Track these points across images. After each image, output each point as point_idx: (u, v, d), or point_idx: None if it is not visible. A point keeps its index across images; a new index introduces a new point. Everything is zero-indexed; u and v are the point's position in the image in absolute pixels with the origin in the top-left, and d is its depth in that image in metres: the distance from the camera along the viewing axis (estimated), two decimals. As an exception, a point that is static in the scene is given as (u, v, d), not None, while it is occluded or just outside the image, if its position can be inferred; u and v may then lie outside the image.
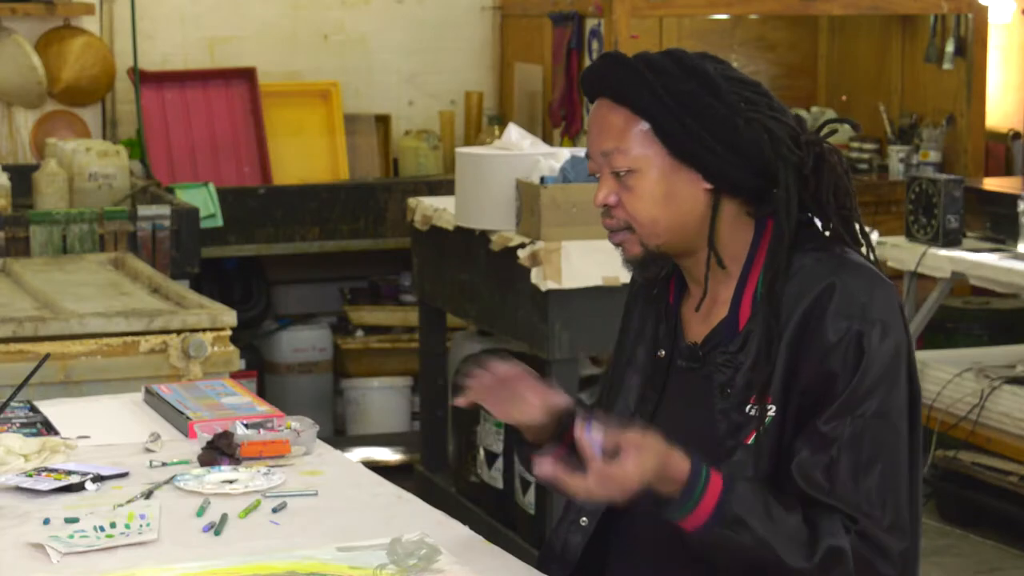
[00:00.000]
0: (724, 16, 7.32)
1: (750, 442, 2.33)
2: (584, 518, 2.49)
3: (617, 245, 2.43)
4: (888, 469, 2.29)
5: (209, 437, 2.87)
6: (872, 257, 2.42)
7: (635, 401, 2.49)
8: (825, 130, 2.46)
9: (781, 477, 2.31)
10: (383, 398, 6.73)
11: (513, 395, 2.49)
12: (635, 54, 2.42)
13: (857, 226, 2.42)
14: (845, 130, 7.33)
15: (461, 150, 5.20)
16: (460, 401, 2.53)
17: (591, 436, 2.19)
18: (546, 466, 2.22)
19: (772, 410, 2.32)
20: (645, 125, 2.36)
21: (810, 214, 2.43)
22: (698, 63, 2.38)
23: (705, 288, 2.42)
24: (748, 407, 2.34)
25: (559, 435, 2.50)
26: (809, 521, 2.26)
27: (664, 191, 2.37)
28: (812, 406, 2.30)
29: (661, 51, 2.42)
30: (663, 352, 2.48)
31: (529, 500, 4.99)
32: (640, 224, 2.38)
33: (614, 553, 2.49)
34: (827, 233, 2.42)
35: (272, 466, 2.82)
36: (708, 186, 2.37)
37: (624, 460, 2.17)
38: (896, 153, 6.86)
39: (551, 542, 2.54)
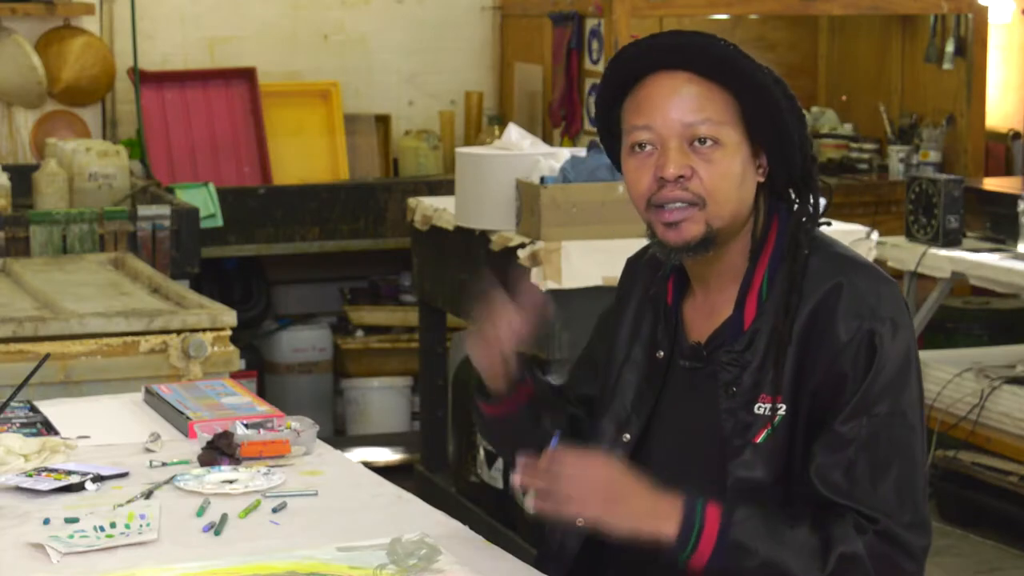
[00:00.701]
0: (724, 16, 7.32)
1: (759, 441, 2.33)
2: (581, 519, 2.49)
3: (673, 223, 2.36)
4: (905, 467, 2.29)
5: (209, 437, 2.87)
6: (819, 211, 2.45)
7: (632, 400, 2.48)
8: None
9: (793, 477, 2.32)
10: (383, 398, 6.73)
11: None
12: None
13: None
14: (844, 129, 7.30)
15: (461, 150, 5.20)
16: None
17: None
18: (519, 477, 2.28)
19: (783, 409, 2.32)
20: (735, 104, 2.35)
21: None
22: None
23: (750, 280, 2.40)
24: (757, 406, 2.34)
25: (514, 385, 2.53)
26: (820, 529, 2.26)
27: (739, 171, 2.36)
28: (824, 405, 2.31)
29: None
30: (662, 353, 2.47)
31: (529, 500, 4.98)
32: (714, 200, 2.35)
33: (611, 554, 2.49)
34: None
35: (272, 466, 2.82)
36: (761, 178, 2.39)
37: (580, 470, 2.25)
38: (896, 153, 6.86)
39: (548, 542, 2.54)
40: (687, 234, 2.36)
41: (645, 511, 2.25)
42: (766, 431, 2.32)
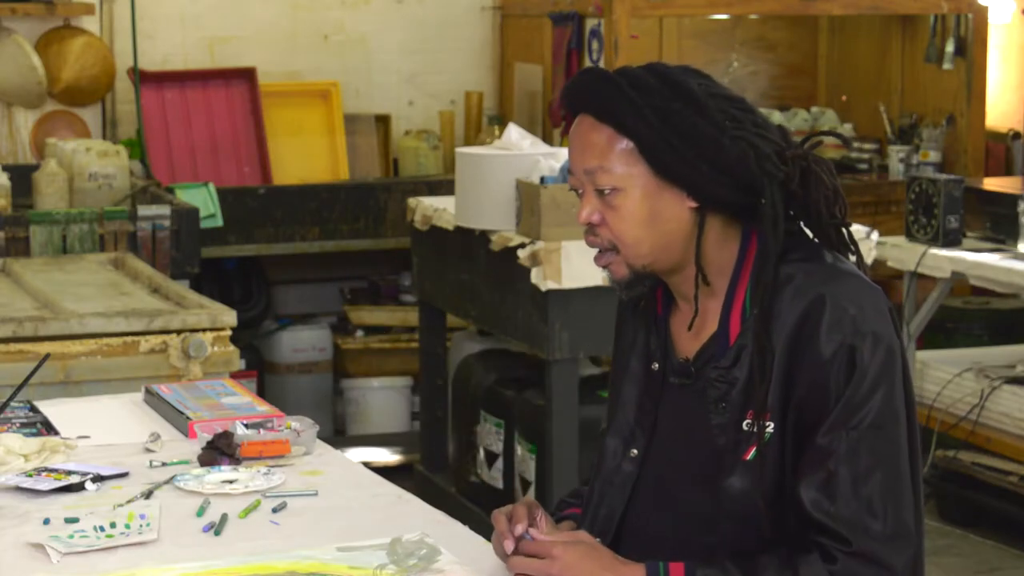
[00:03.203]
0: (724, 16, 7.32)
1: (749, 458, 2.32)
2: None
3: (603, 267, 2.40)
4: (887, 478, 2.27)
5: (209, 437, 2.87)
6: (860, 262, 2.41)
7: (634, 415, 2.48)
8: (809, 143, 2.44)
9: (784, 496, 2.31)
10: (383, 398, 6.74)
11: None
12: (617, 69, 2.38)
13: (847, 233, 2.41)
14: (844, 130, 7.27)
15: (461, 150, 5.20)
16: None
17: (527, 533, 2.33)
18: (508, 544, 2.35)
19: (770, 427, 2.31)
20: (629, 144, 2.33)
21: (800, 223, 2.42)
22: (681, 79, 2.35)
23: (696, 307, 2.39)
24: (745, 423, 2.33)
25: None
26: (788, 572, 2.25)
27: (648, 210, 2.34)
28: (808, 421, 2.29)
29: (643, 66, 2.39)
30: (657, 365, 2.47)
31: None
32: (625, 244, 2.36)
33: None
34: (815, 240, 2.41)
35: (272, 466, 2.83)
36: (693, 204, 2.35)
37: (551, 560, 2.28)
38: (896, 153, 6.86)
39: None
40: (616, 275, 2.40)
41: None
42: (754, 449, 2.32)
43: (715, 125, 2.32)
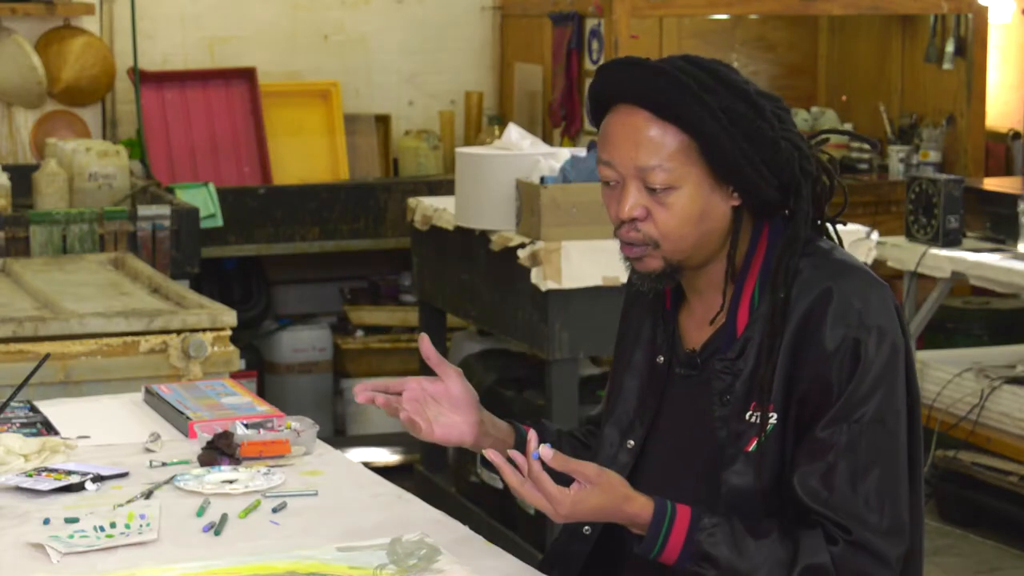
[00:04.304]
0: (724, 16, 7.32)
1: (751, 449, 2.32)
2: (587, 527, 2.49)
3: (634, 259, 2.38)
4: (886, 473, 2.29)
5: (209, 437, 2.87)
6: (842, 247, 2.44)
7: (634, 406, 2.48)
8: (819, 138, 2.47)
9: (782, 488, 2.31)
10: (383, 398, 6.73)
11: (439, 411, 2.51)
12: (666, 63, 2.34)
13: (834, 228, 2.47)
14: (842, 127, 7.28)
15: (461, 150, 5.20)
16: (362, 398, 2.50)
17: (537, 449, 2.30)
18: (491, 453, 2.35)
19: (773, 418, 2.31)
20: (689, 142, 2.31)
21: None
22: (736, 79, 2.35)
23: (724, 301, 2.40)
24: (748, 414, 2.33)
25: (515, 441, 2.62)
26: (788, 540, 2.26)
27: (700, 208, 2.33)
28: (810, 413, 2.30)
29: (680, 58, 2.36)
30: (662, 358, 2.47)
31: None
32: (669, 240, 2.34)
33: (619, 562, 2.48)
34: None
35: (272, 466, 2.83)
36: (737, 202, 2.36)
37: (573, 489, 2.26)
38: (896, 153, 6.86)
39: (553, 550, 2.54)
40: (647, 267, 2.38)
41: (621, 515, 2.29)
42: (757, 440, 2.32)
43: (772, 127, 2.34)
